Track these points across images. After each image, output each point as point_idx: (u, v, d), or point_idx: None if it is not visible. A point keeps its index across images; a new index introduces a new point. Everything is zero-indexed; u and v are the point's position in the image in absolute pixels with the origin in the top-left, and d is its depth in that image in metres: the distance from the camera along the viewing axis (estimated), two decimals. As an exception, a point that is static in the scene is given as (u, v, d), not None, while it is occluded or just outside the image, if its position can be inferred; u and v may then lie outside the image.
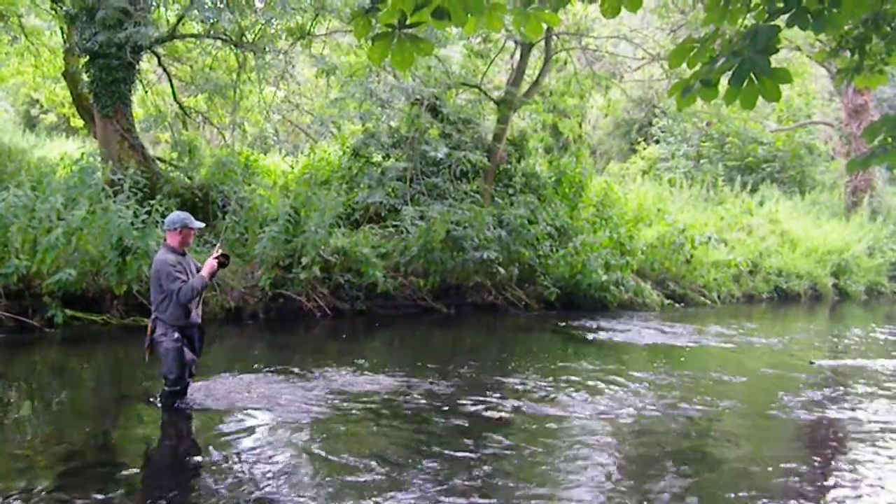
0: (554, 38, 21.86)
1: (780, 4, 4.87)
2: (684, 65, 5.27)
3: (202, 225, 8.65)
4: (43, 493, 6.10)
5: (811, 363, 13.34)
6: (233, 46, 19.72)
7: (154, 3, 18.89)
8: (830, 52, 7.34)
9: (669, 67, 6.72)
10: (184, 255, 8.52)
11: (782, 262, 25.98)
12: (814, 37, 19.80)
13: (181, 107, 21.85)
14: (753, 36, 4.56)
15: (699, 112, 31.74)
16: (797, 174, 35.89)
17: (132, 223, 13.83)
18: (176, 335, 8.39)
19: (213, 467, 6.94)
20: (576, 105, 25.39)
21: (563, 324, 17.03)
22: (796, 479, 7.24)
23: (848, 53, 6.88)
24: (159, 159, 19.77)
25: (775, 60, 4.69)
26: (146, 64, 20.44)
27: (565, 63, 24.53)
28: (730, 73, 4.71)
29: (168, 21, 19.58)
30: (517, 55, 22.82)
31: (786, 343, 15.75)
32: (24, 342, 12.28)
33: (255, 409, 8.77)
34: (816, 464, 7.83)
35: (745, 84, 4.64)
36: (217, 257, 8.39)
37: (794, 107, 35.30)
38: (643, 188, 29.21)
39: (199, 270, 8.54)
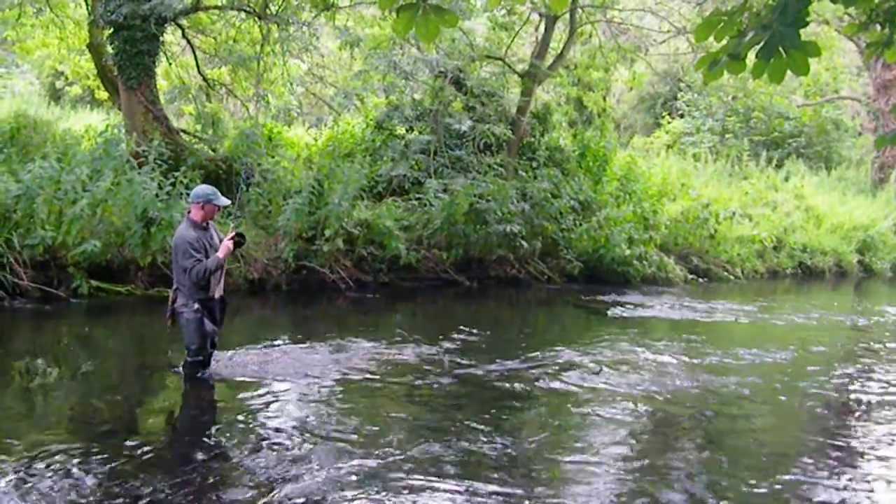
0: (579, 10, 21.69)
1: (810, -23, 4.81)
2: (711, 38, 5.22)
3: (227, 202, 8.58)
4: (67, 459, 6.16)
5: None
6: (256, 18, 19.69)
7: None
8: (860, 26, 7.23)
9: (696, 41, 6.66)
10: (206, 228, 8.50)
11: (807, 238, 25.83)
12: (843, 10, 19.61)
13: (205, 79, 21.89)
14: (783, 9, 4.51)
15: (725, 86, 31.48)
16: (823, 150, 35.61)
17: (156, 195, 13.88)
18: (196, 306, 8.40)
19: (235, 437, 6.99)
20: (600, 78, 25.25)
21: (586, 298, 17.02)
22: (815, 461, 7.22)
23: (878, 27, 6.79)
24: (183, 131, 19.79)
25: (803, 34, 4.63)
26: (170, 36, 20.44)
27: (590, 36, 24.38)
28: (758, 46, 4.65)
29: (192, -7, 19.58)
30: (542, 28, 22.69)
31: (809, 320, 15.68)
32: (50, 312, 12.38)
33: (278, 380, 8.82)
34: (836, 444, 7.80)
35: (773, 58, 4.60)
36: (233, 237, 8.38)
37: (821, 81, 34.92)
38: (667, 162, 29.07)
39: (221, 242, 8.54)
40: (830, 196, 29.93)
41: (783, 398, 9.44)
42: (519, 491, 5.97)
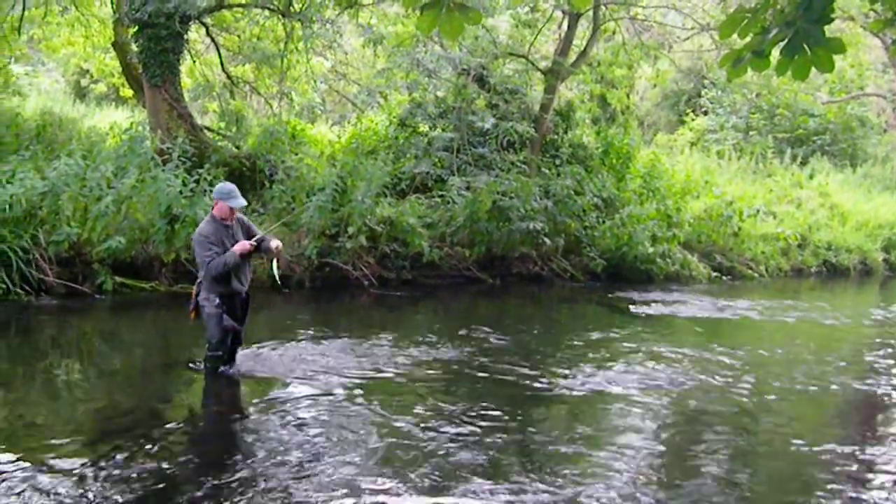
0: (602, 7, 21.62)
1: (835, -27, 4.77)
2: (735, 35, 5.20)
3: (241, 204, 8.51)
4: (91, 455, 6.20)
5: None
6: (280, 16, 19.75)
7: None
8: (885, 22, 7.18)
9: (720, 38, 6.64)
10: (228, 225, 8.50)
11: (832, 235, 25.69)
12: (868, 6, 19.43)
13: (229, 76, 21.95)
14: (807, 5, 4.49)
15: (749, 83, 31.30)
16: (848, 147, 35.34)
17: (181, 192, 13.96)
18: (217, 301, 8.44)
19: (257, 434, 7.02)
20: (624, 75, 25.17)
21: (609, 295, 17.00)
22: (840, 458, 7.17)
23: (904, 23, 6.74)
24: (207, 129, 19.88)
25: (828, 30, 4.61)
26: (194, 34, 20.53)
27: (613, 33, 24.33)
28: (782, 43, 4.64)
29: (216, -10, 19.64)
30: (565, 25, 22.65)
31: (836, 317, 15.59)
32: (75, 308, 12.47)
33: (301, 377, 8.84)
34: (864, 444, 7.75)
35: (798, 55, 4.58)
36: (258, 240, 8.40)
37: (846, 78, 34.64)
38: (691, 160, 28.98)
39: (249, 237, 8.55)
40: (855, 193, 29.74)
41: (810, 395, 9.39)
42: (543, 487, 5.97)
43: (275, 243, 8.63)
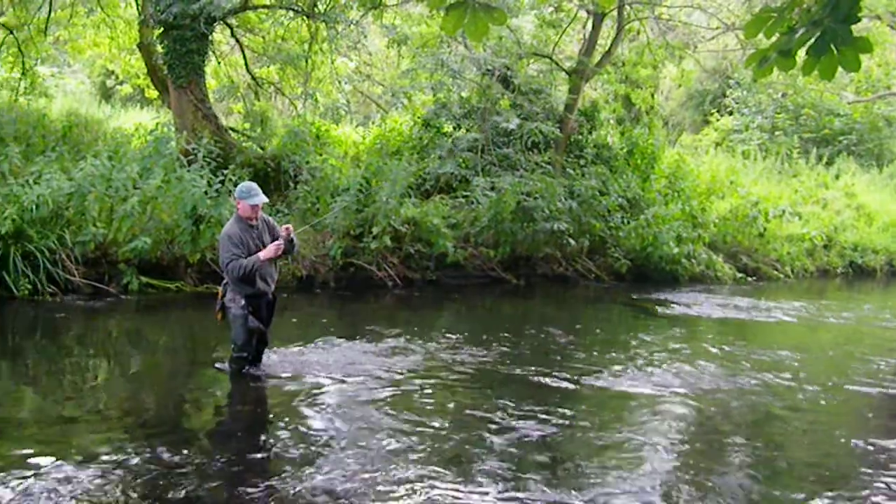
0: (626, 7, 21.54)
1: (862, -28, 4.73)
2: (760, 35, 5.17)
3: (259, 201, 8.41)
4: (116, 455, 6.23)
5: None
6: (305, 17, 19.81)
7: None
8: (913, 21, 7.12)
9: (745, 38, 6.60)
10: (253, 225, 8.47)
11: (858, 236, 25.51)
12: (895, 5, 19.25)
13: (253, 77, 22.04)
14: (834, 5, 4.46)
15: (774, 83, 31.10)
16: (875, 147, 35.03)
17: (206, 192, 14.00)
18: (242, 302, 8.44)
19: (281, 435, 7.03)
20: (648, 75, 25.10)
21: (634, 296, 16.94)
22: (867, 461, 7.13)
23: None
24: (232, 129, 19.96)
25: (855, 30, 4.57)
26: (219, 35, 20.63)
27: (638, 33, 24.22)
28: (808, 43, 4.60)
29: (240, -8, 19.72)
30: (589, 25, 22.58)
31: (861, 319, 15.49)
32: (101, 308, 12.53)
33: (325, 377, 8.85)
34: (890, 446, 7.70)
35: (824, 54, 4.54)
36: (284, 242, 8.35)
37: (872, 77, 34.27)
38: (716, 160, 28.78)
39: (274, 240, 8.50)
40: (882, 194, 29.51)
41: (834, 398, 9.32)
42: (564, 488, 5.95)
43: (286, 227, 8.59)
